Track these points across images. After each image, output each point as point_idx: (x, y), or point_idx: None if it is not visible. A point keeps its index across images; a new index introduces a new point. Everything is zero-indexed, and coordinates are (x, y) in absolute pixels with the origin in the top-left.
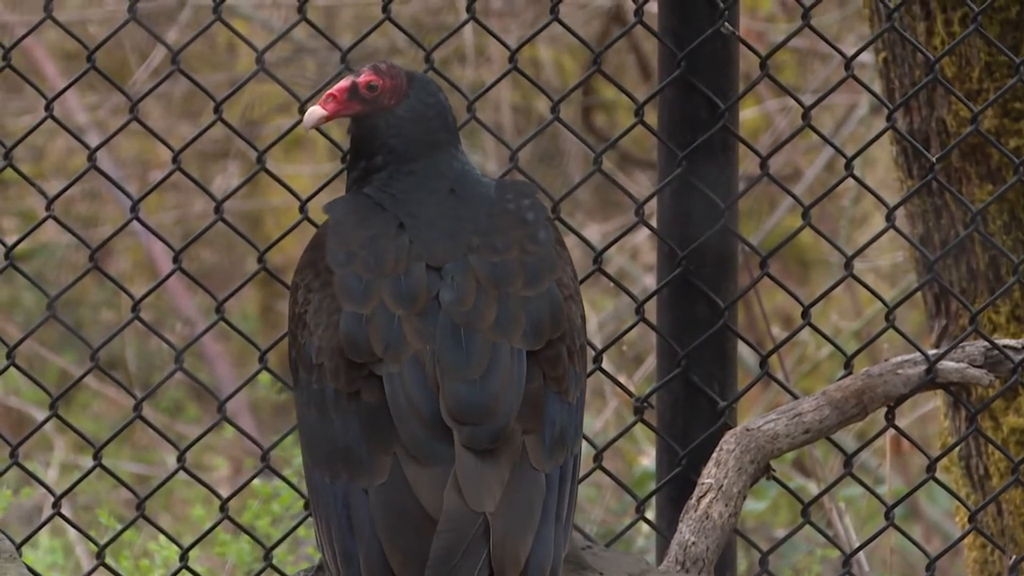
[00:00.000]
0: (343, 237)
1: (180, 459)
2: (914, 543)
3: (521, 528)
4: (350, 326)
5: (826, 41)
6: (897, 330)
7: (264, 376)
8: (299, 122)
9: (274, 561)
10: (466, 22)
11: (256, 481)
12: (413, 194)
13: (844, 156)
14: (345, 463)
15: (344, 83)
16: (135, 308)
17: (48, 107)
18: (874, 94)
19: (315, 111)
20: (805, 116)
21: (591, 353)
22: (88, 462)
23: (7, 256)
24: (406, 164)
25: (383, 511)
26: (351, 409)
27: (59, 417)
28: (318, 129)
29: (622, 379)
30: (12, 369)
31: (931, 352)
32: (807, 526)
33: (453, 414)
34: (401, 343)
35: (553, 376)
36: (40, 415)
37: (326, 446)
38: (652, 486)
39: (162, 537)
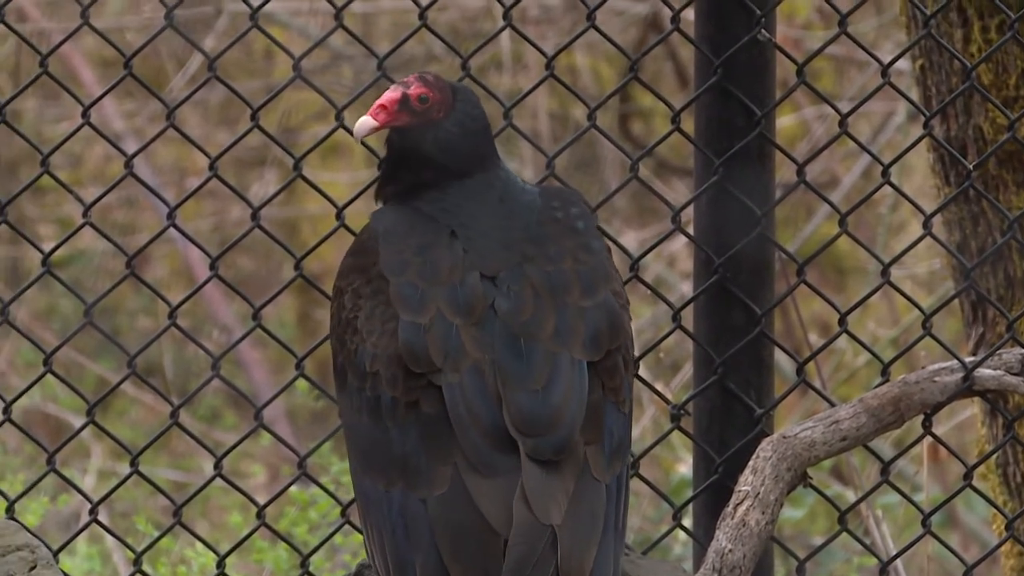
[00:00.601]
0: (395, 245)
1: (217, 466)
2: (951, 551)
3: (586, 540)
4: (409, 335)
5: (863, 48)
6: (934, 337)
7: (301, 383)
8: (336, 129)
9: (311, 568)
10: (503, 29)
11: (293, 488)
12: (464, 206)
13: (881, 163)
14: (401, 472)
15: (394, 94)
16: (172, 315)
17: (85, 114)
18: (911, 101)
19: (366, 121)
20: (842, 123)
21: None
22: (125, 469)
23: (44, 263)
24: (456, 178)
25: (444, 522)
26: (409, 418)
27: (96, 424)
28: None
29: (659, 386)
30: (49, 376)
31: (968, 359)
32: (844, 534)
33: (517, 425)
34: (460, 353)
35: (611, 386)
36: (77, 422)
37: (380, 454)
38: (689, 493)
39: (199, 544)
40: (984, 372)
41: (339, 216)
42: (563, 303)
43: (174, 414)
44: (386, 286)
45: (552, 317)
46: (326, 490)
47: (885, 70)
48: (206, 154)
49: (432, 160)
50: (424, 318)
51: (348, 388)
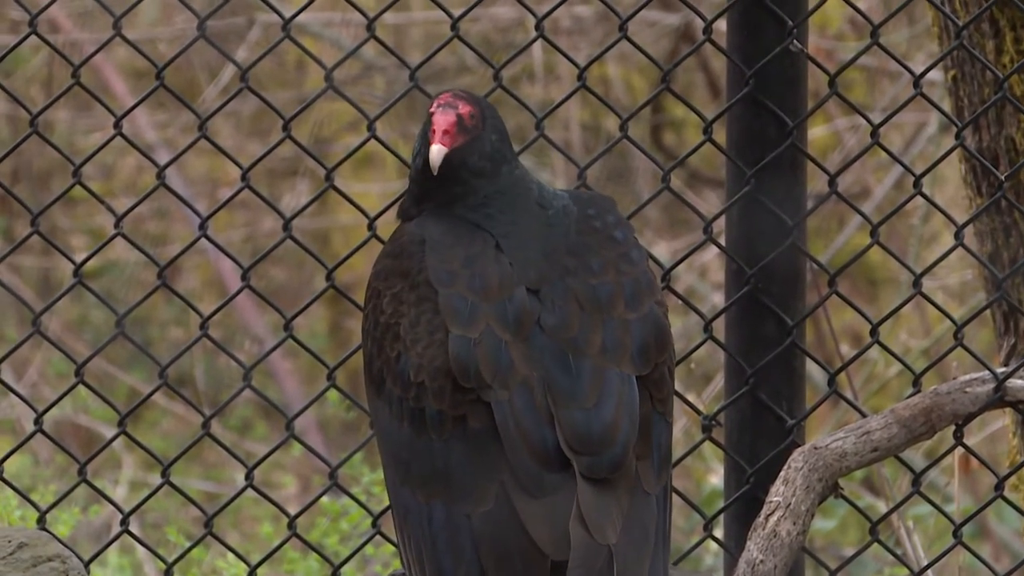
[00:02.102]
0: (442, 255)
1: (248, 477)
2: (983, 562)
3: (639, 557)
4: (459, 350)
5: (895, 59)
6: (966, 348)
7: (333, 394)
8: (368, 140)
9: None
10: (535, 40)
11: (324, 499)
12: (506, 213)
13: (913, 174)
14: (444, 485)
15: (450, 117)
16: (204, 326)
17: (117, 125)
18: (943, 112)
19: (439, 150)
20: (874, 134)
21: None
22: (156, 480)
23: (76, 274)
24: (496, 183)
25: (489, 540)
26: (456, 433)
27: (128, 435)
28: (387, 147)
29: (690, 397)
30: (81, 387)
31: (1000, 370)
32: (875, 544)
33: (571, 443)
34: (510, 370)
35: (659, 398)
36: (109, 433)
37: (421, 466)
38: (720, 504)
39: (230, 555)
40: (1016, 383)
41: (371, 227)
42: (608, 317)
43: (206, 424)
44: (433, 295)
45: (599, 332)
46: (357, 501)
47: (917, 81)
48: (238, 165)
49: (483, 171)
50: (474, 332)
51: (386, 394)
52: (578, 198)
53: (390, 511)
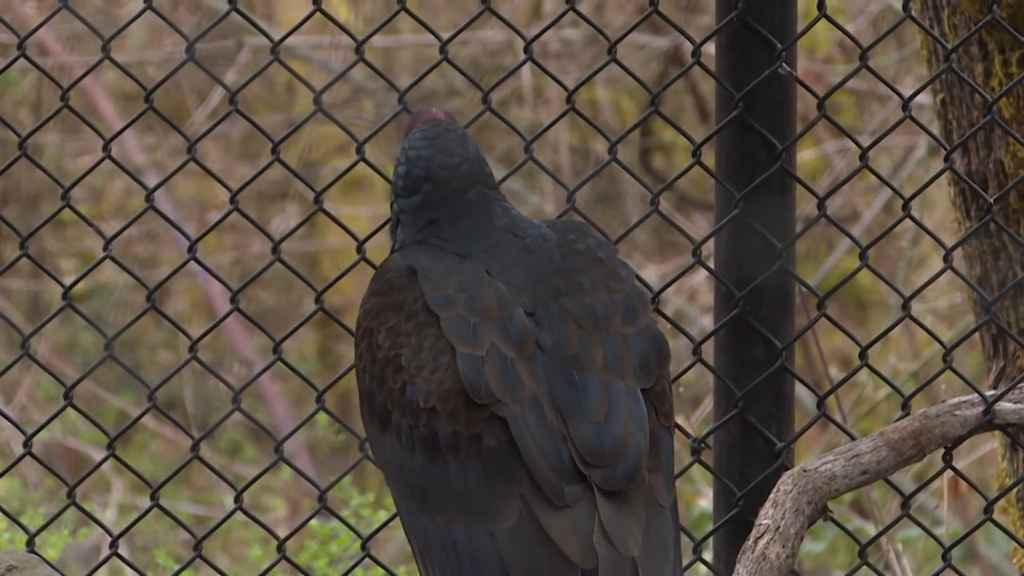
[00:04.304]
0: (436, 283)
1: (238, 500)
2: None
3: (660, 569)
4: (469, 368)
5: (884, 82)
6: (955, 371)
7: (322, 416)
8: (356, 163)
9: None
10: (523, 63)
11: (313, 522)
12: (484, 242)
13: (902, 197)
14: (463, 507)
15: (438, 113)
16: (193, 348)
17: (106, 147)
18: (932, 135)
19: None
20: (863, 157)
21: None
22: (146, 502)
23: (65, 296)
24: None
25: (517, 555)
26: (472, 452)
27: (117, 457)
28: (376, 169)
29: (679, 420)
30: (70, 409)
31: (989, 393)
32: (864, 567)
33: (585, 456)
34: (518, 385)
35: (663, 411)
36: (98, 455)
37: (439, 491)
38: (709, 527)
39: None
40: (1005, 406)
41: (360, 250)
42: (607, 333)
43: (195, 447)
44: (433, 320)
45: (600, 348)
46: (347, 523)
47: (906, 104)
48: (227, 188)
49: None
50: (481, 350)
51: (393, 427)
52: (554, 225)
53: (407, 541)
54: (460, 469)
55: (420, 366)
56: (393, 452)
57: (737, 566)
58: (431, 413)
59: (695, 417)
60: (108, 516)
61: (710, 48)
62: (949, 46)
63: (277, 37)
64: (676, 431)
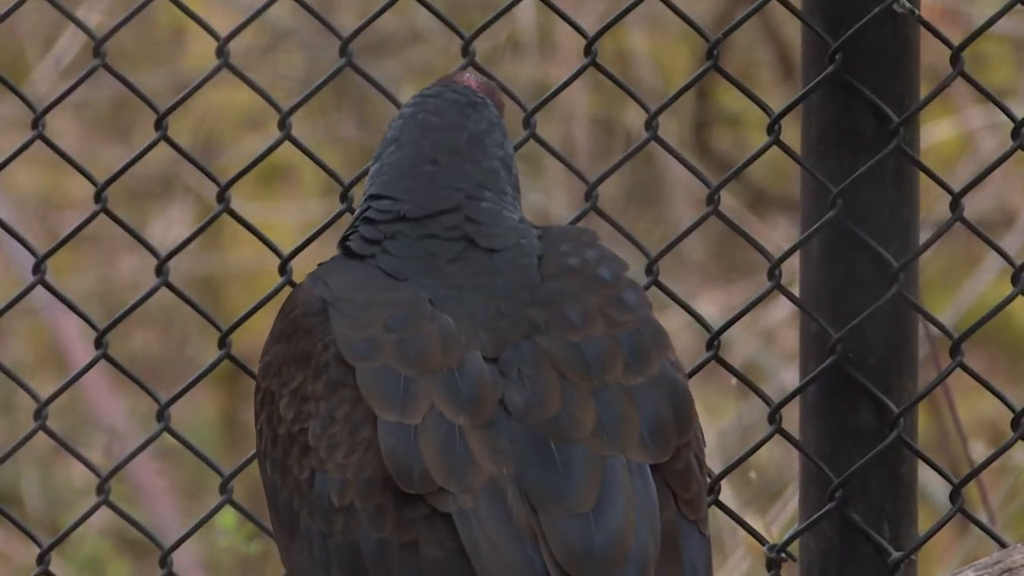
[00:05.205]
0: (355, 319)
1: None
2: None
3: None
4: (395, 444)
5: None
6: None
7: (227, 516)
8: (280, 142)
9: None
10: None
11: None
12: (437, 255)
13: None
14: None
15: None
16: (39, 414)
17: None
18: None
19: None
20: (1016, 134)
21: None
22: None
23: None
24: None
25: None
26: (407, 567)
27: None
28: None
29: (750, 519)
30: None
31: None
32: None
33: (564, 564)
34: (469, 465)
35: (686, 499)
36: None
37: None
38: None
39: None
40: None
41: (284, 269)
42: (601, 384)
43: (42, 559)
44: (349, 376)
45: (590, 406)
46: None
47: None
48: (91, 180)
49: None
50: (415, 417)
51: (302, 535)
52: (548, 232)
53: None
54: None
55: (333, 444)
56: (303, 570)
57: None
58: (348, 513)
59: (773, 515)
60: None
61: None
62: None
63: None
64: (748, 536)
